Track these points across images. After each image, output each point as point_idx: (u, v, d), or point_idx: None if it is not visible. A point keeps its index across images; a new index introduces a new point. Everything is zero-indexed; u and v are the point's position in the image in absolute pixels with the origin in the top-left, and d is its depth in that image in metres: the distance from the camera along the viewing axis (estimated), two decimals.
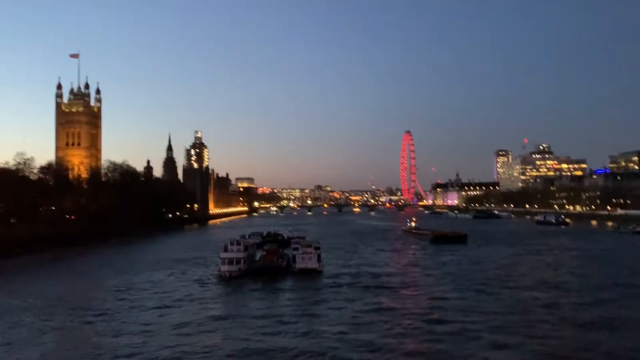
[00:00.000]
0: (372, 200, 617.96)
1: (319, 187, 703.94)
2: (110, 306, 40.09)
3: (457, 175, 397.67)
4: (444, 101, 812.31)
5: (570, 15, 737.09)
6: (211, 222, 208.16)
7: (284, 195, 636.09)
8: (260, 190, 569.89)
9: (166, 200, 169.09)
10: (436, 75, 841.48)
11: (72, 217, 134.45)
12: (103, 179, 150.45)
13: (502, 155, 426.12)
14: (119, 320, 35.28)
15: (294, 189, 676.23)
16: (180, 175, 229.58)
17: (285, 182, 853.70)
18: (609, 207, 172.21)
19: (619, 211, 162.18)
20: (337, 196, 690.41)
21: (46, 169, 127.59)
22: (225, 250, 56.45)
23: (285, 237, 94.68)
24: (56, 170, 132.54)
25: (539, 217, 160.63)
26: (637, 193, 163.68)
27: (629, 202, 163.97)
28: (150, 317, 36.19)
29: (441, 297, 42.62)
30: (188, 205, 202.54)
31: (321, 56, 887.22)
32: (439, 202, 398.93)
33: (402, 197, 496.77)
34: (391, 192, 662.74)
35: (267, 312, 37.22)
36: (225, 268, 53.17)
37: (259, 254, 62.82)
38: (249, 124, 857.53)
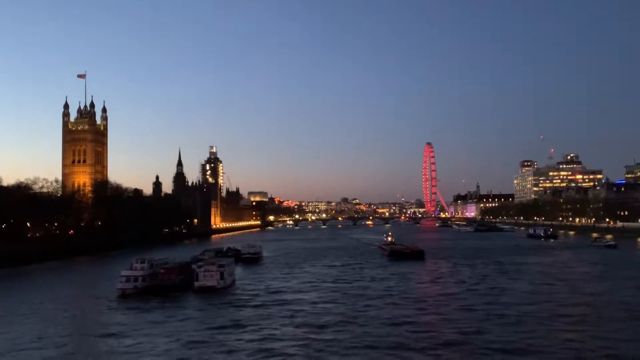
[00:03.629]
0: (399, 213, 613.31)
1: (345, 200, 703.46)
2: None
3: (478, 186, 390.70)
4: (470, 111, 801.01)
5: (593, 21, 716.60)
6: (215, 236, 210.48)
7: (310, 208, 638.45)
8: (285, 204, 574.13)
9: (160, 216, 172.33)
10: (463, 83, 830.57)
11: (71, 232, 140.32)
12: (95, 196, 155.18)
13: (527, 165, 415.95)
14: None
15: (320, 202, 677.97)
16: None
17: (313, 196, 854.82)
18: (607, 220, 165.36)
19: (619, 224, 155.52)
20: (364, 209, 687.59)
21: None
22: (130, 268, 57.55)
23: (238, 253, 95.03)
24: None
25: (530, 231, 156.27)
26: (637, 205, 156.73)
27: (626, 213, 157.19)
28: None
29: (300, 309, 44.48)
30: (188, 220, 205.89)
31: (344, 69, 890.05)
32: (459, 214, 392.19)
33: (426, 209, 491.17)
34: (420, 204, 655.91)
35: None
36: (120, 285, 54.10)
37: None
38: (269, 137, 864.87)
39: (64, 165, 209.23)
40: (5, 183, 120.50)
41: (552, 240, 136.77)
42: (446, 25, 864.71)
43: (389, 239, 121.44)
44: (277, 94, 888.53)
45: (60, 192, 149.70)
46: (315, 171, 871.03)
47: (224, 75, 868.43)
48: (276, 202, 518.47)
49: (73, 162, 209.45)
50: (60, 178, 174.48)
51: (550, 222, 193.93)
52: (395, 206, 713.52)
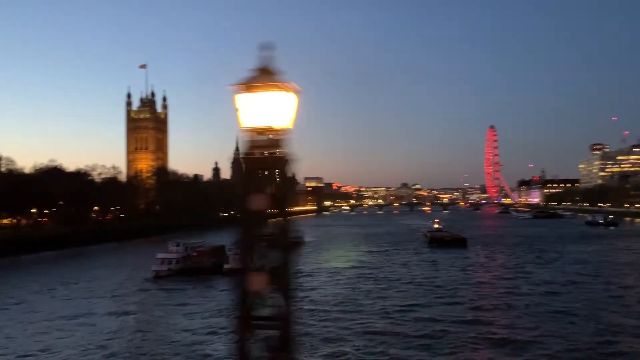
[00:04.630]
0: (462, 199, 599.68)
1: (405, 185, 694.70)
2: None
3: (543, 171, 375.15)
4: (536, 92, 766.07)
5: None
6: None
7: (369, 193, 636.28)
8: (344, 189, 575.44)
9: (217, 200, 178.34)
10: (527, 64, 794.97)
11: (131, 216, 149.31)
12: (155, 181, 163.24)
13: (597, 149, 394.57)
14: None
15: (380, 188, 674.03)
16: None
17: (373, 181, 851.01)
18: None
19: None
20: (424, 194, 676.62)
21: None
22: (166, 251, 60.66)
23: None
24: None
25: (589, 218, 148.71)
26: None
27: None
28: None
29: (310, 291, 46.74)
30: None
31: (408, 50, 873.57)
32: (522, 199, 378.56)
33: (488, 195, 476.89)
34: (484, 189, 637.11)
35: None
36: (154, 267, 57.16)
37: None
38: (327, 122, 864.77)
39: (127, 152, 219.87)
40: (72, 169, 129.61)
41: (612, 228, 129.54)
42: (508, 2, 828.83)
43: (436, 225, 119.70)
44: (335, 79, 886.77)
45: (118, 178, 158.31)
46: (375, 156, 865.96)
47: (282, 59, 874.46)
48: (334, 188, 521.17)
49: (136, 149, 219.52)
50: (119, 165, 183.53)
51: (615, 209, 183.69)
52: (458, 192, 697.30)
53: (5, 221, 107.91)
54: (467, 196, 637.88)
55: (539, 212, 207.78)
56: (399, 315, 36.59)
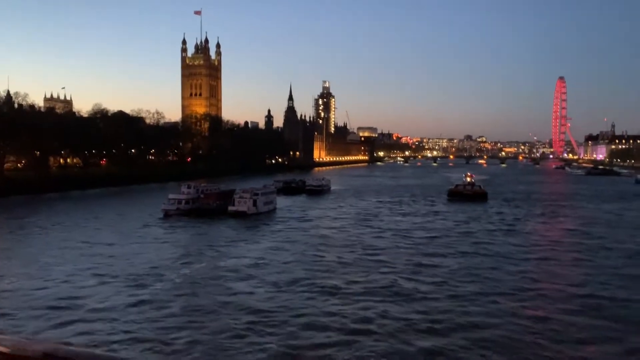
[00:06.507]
0: (529, 153, 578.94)
1: (469, 137, 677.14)
2: None
3: (613, 125, 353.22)
4: (610, 42, 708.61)
5: None
6: (318, 169, 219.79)
7: (430, 145, 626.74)
8: (404, 140, 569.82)
9: (263, 148, 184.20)
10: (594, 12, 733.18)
11: (188, 159, 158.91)
12: (209, 127, 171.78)
13: None
14: None
15: (442, 139, 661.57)
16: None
17: (436, 132, 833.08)
18: None
19: None
20: (489, 147, 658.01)
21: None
22: (179, 192, 65.96)
23: (303, 185, 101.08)
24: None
25: (638, 176, 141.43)
26: None
27: None
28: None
29: (305, 232, 51.41)
30: (291, 153, 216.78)
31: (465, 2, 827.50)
32: (588, 155, 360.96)
33: (553, 150, 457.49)
34: (552, 144, 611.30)
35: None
36: (164, 207, 62.53)
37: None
38: (387, 71, 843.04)
39: (182, 98, 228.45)
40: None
41: None
42: None
43: (468, 179, 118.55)
44: (394, 29, 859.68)
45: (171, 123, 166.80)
46: (437, 107, 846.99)
47: (337, 7, 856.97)
48: (394, 138, 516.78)
49: (190, 95, 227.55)
50: (176, 110, 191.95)
51: None
52: (525, 145, 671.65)
53: (61, 160, 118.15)
54: (534, 150, 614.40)
55: (593, 169, 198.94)
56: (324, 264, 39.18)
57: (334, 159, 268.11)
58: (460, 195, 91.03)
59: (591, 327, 24.03)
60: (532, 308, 27.09)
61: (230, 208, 62.32)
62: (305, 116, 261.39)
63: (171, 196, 64.03)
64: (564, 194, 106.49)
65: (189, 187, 66.34)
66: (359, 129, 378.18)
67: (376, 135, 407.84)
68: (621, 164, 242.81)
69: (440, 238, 48.91)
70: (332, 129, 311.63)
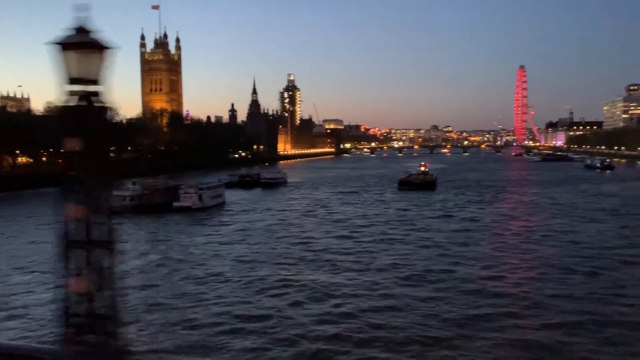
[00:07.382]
0: (493, 141, 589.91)
1: (435, 128, 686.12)
2: None
3: (571, 113, 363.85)
4: (580, 29, 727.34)
5: None
6: (283, 162, 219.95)
7: (397, 136, 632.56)
8: (372, 131, 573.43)
9: (226, 142, 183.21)
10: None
11: (149, 156, 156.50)
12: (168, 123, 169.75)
13: (634, 90, 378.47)
14: None
15: (409, 130, 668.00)
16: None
17: (403, 123, 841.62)
18: None
19: None
20: (455, 137, 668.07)
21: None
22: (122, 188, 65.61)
23: (258, 178, 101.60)
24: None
25: (588, 161, 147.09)
26: None
27: None
28: None
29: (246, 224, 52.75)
30: (256, 147, 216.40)
31: None
32: (548, 142, 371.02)
33: (515, 137, 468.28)
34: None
35: None
36: None
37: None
38: (352, 62, 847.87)
39: (143, 94, 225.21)
40: None
41: (608, 171, 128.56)
42: None
43: (422, 168, 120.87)
44: (361, 21, 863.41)
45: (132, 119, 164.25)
46: (405, 98, 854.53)
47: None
48: (362, 130, 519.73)
49: (151, 90, 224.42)
50: (137, 106, 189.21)
51: (630, 152, 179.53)
52: (490, 134, 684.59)
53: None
54: (498, 138, 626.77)
55: (548, 155, 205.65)
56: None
57: (300, 151, 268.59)
58: (410, 184, 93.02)
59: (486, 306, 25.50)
60: (416, 287, 28.45)
61: (175, 204, 62.55)
62: (271, 110, 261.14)
63: (115, 193, 63.62)
64: (512, 180, 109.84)
65: (134, 184, 65.99)
66: (325, 121, 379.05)
67: (343, 127, 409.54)
68: (577, 149, 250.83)
69: (376, 225, 50.30)
70: (298, 122, 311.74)
